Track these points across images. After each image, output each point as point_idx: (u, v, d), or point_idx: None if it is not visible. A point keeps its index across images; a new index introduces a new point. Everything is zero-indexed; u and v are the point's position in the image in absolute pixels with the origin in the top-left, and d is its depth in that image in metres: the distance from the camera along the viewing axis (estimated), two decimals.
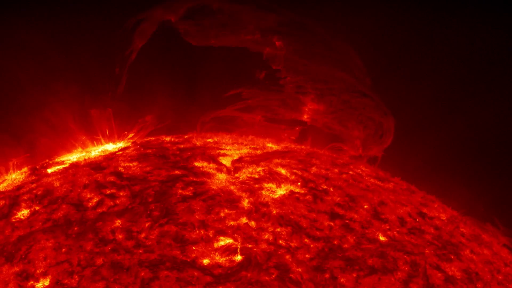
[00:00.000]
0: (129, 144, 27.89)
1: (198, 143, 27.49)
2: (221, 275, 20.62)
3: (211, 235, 21.69)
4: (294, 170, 25.30)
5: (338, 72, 30.51)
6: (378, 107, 30.07)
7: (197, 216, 22.19)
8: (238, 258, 21.11)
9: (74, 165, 25.44)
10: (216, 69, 32.83)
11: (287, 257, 21.38)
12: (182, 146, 27.03)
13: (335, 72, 30.53)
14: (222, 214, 22.37)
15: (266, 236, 21.91)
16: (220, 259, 21.04)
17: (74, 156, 27.25)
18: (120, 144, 28.16)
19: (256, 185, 23.89)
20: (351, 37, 30.92)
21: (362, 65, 30.51)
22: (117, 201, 23.08)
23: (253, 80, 31.01)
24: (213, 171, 24.61)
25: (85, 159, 26.20)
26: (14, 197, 23.89)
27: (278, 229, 22.22)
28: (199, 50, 33.58)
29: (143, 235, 21.61)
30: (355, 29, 31.80)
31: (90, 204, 23.07)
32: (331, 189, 24.71)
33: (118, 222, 22.04)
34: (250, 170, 24.86)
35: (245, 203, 22.97)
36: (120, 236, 21.62)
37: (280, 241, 21.86)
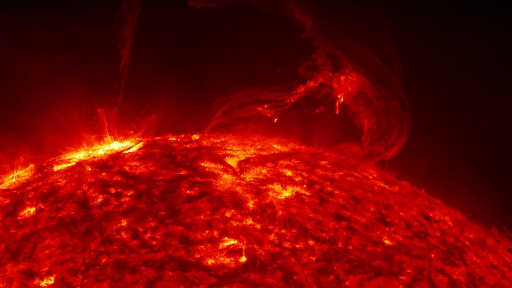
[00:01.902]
0: (135, 143, 27.90)
1: (204, 143, 27.52)
2: (225, 276, 20.62)
3: (216, 236, 21.70)
4: (300, 172, 25.29)
5: (375, 58, 29.91)
6: (403, 115, 29.64)
7: (202, 217, 22.20)
8: (243, 259, 21.11)
9: (80, 164, 25.44)
10: (224, 67, 32.82)
11: (292, 259, 21.37)
12: (188, 146, 27.04)
13: (372, 57, 29.94)
14: (227, 215, 22.38)
15: (271, 238, 21.91)
16: (225, 260, 21.04)
17: (80, 155, 27.28)
18: (127, 143, 28.18)
19: (262, 187, 23.90)
20: (356, 37, 30.75)
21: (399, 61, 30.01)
22: (123, 200, 23.11)
23: (262, 78, 30.99)
24: (219, 172, 24.62)
25: (91, 158, 26.22)
26: (19, 195, 23.92)
27: (283, 231, 22.22)
28: (207, 47, 33.63)
29: (148, 235, 21.63)
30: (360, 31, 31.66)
31: (96, 203, 23.11)
32: (337, 191, 24.69)
33: (123, 222, 22.06)
34: (256, 171, 24.87)
35: (251, 204, 22.97)
36: (125, 236, 21.64)
37: (285, 243, 21.86)
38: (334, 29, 30.10)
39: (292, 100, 30.47)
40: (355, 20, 30.34)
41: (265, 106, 30.66)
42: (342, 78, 30.19)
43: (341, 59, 30.15)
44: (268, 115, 30.56)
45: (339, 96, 30.35)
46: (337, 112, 30.43)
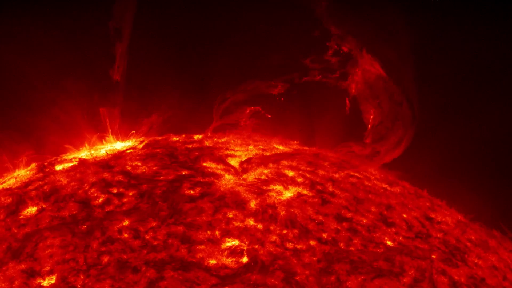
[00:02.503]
0: (137, 143, 27.92)
1: (206, 143, 27.52)
2: (227, 276, 20.61)
3: (218, 236, 21.69)
4: (302, 172, 25.28)
5: (390, 54, 29.33)
6: (409, 125, 29.37)
7: (204, 217, 22.20)
8: (244, 259, 21.10)
9: (82, 163, 25.46)
10: (227, 66, 32.79)
11: (293, 259, 21.36)
12: (190, 146, 27.05)
13: (387, 53, 29.47)
14: (229, 215, 22.37)
15: (273, 238, 21.89)
16: (226, 261, 21.03)
17: (82, 154, 27.30)
18: (129, 143, 28.20)
19: (264, 187, 23.88)
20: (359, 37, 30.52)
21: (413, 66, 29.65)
22: (124, 200, 23.11)
23: (266, 74, 30.94)
24: (221, 172, 24.61)
25: (93, 158, 26.24)
26: (21, 194, 23.93)
27: (285, 231, 22.21)
28: (209, 46, 33.61)
29: (150, 235, 21.63)
30: (363, 30, 31.53)
31: (97, 202, 23.11)
32: (339, 192, 24.67)
33: (125, 221, 22.06)
34: (258, 171, 24.86)
35: (252, 204, 22.96)
36: (127, 236, 21.64)
37: (287, 243, 21.85)
38: (348, 18, 29.77)
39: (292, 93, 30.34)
40: (370, 11, 30.06)
41: (266, 104, 30.65)
42: (354, 72, 30.06)
43: (353, 52, 29.99)
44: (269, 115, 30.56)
45: (353, 85, 30.12)
46: (347, 108, 30.29)
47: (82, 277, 20.57)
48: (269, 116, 30.57)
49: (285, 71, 30.85)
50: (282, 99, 30.80)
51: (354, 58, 29.88)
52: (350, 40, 29.71)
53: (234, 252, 21.23)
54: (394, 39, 29.47)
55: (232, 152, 26.42)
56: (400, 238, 23.33)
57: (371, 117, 29.94)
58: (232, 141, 28.19)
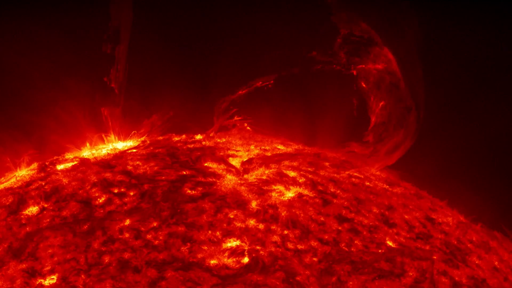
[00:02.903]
0: (138, 143, 27.92)
1: (208, 143, 27.51)
2: (227, 276, 20.61)
3: (219, 236, 21.69)
4: (303, 173, 25.26)
5: (401, 53, 29.06)
6: (415, 129, 29.22)
7: (205, 217, 22.19)
8: (245, 260, 21.10)
9: (83, 163, 25.46)
10: (229, 65, 32.75)
11: (294, 260, 21.35)
12: (192, 146, 27.05)
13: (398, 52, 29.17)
14: (230, 216, 22.37)
15: (274, 239, 21.89)
16: (227, 261, 21.03)
17: (83, 154, 27.30)
18: (130, 143, 28.20)
19: (265, 187, 23.87)
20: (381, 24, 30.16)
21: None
22: (126, 200, 23.11)
23: (268, 73, 30.89)
24: (222, 172, 24.61)
25: (94, 157, 26.23)
26: (22, 194, 23.93)
27: (286, 232, 22.21)
28: (211, 46, 33.58)
29: (151, 235, 21.63)
30: (372, 26, 31.34)
31: (99, 202, 23.11)
32: (340, 193, 24.66)
33: (126, 221, 22.06)
34: (259, 172, 24.86)
35: (254, 205, 22.96)
36: (128, 235, 21.65)
37: (288, 244, 21.85)
38: (358, 12, 29.48)
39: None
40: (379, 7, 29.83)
41: (268, 104, 30.63)
42: (362, 70, 29.93)
43: (362, 48, 29.86)
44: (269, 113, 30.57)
45: (359, 84, 30.00)
46: (354, 107, 30.17)
47: (83, 276, 20.59)
48: (270, 116, 30.56)
49: (287, 71, 30.84)
50: (283, 99, 30.78)
51: (361, 56, 29.83)
52: (358, 36, 29.62)
53: (235, 252, 21.24)
54: (404, 36, 29.31)
55: (234, 152, 26.42)
56: (401, 238, 23.32)
57: (375, 117, 29.90)
58: (233, 141, 28.17)
